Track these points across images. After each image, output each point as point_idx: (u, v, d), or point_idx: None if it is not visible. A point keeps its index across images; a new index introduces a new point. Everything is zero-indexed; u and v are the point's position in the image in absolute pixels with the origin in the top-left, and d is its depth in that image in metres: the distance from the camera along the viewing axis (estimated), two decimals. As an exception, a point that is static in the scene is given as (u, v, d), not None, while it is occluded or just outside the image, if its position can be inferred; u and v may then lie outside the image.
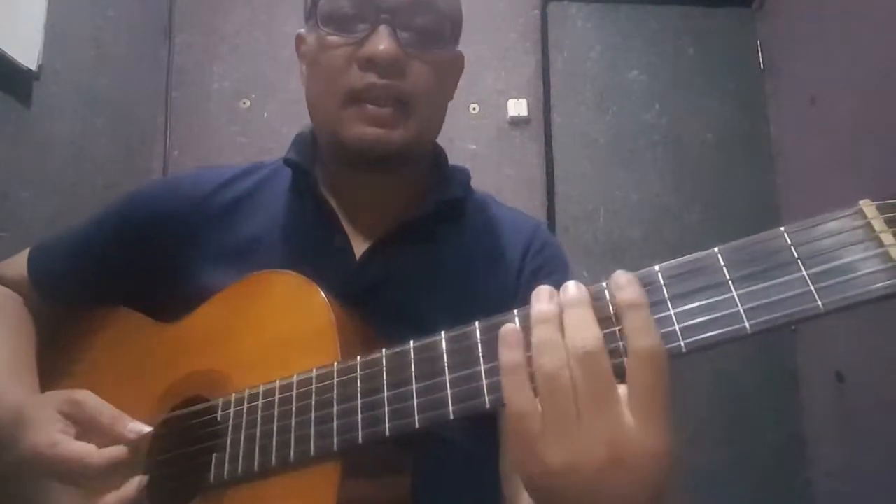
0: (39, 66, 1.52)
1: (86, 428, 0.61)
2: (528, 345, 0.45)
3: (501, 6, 2.28)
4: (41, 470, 0.60)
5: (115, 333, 0.75)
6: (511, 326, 0.45)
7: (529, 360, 0.44)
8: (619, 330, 0.44)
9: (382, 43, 0.65)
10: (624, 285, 0.44)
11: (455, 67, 0.78)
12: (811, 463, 1.96)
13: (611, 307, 0.45)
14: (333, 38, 0.68)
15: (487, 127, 2.19)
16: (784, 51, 2.15)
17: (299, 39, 0.77)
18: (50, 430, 0.60)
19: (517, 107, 2.19)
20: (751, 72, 2.24)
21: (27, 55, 1.48)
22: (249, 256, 0.70)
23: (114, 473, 0.58)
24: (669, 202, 2.14)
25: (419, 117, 0.69)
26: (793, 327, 2.15)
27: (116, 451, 0.59)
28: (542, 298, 0.45)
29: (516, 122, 2.20)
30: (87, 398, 0.62)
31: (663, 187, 2.16)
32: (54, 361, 0.76)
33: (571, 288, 0.45)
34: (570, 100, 2.23)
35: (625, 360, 0.43)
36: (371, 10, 0.66)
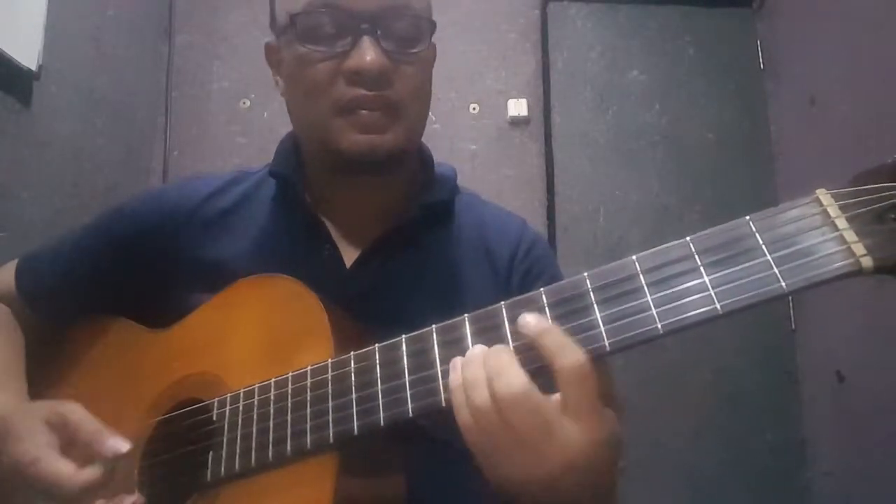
0: (39, 66, 1.52)
1: (69, 440, 0.61)
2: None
3: (501, 6, 2.28)
4: (21, 485, 0.59)
5: (108, 340, 0.75)
6: (457, 359, 0.51)
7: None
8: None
9: (368, 55, 0.64)
10: (528, 321, 0.49)
11: (433, 59, 0.77)
12: (811, 463, 1.96)
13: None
14: (316, 54, 0.67)
15: (487, 127, 2.19)
16: (784, 51, 2.15)
17: (270, 50, 0.76)
18: (33, 443, 0.60)
19: (517, 107, 2.19)
20: (751, 72, 2.24)
21: (27, 55, 1.48)
22: (237, 271, 0.69)
23: (92, 494, 0.58)
24: (669, 202, 2.14)
25: (408, 119, 0.69)
26: (793, 327, 2.14)
27: (92, 475, 0.58)
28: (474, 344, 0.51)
29: (516, 122, 2.20)
30: (73, 411, 0.62)
31: (663, 187, 2.16)
32: (45, 370, 0.76)
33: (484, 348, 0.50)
34: (570, 100, 2.23)
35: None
36: (351, 23, 0.65)
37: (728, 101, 2.22)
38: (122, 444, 0.59)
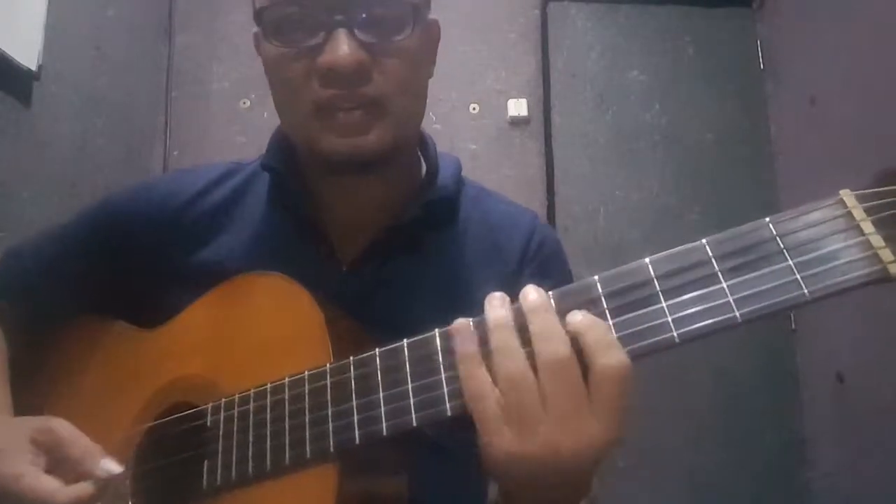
0: (39, 66, 1.52)
1: (57, 460, 0.58)
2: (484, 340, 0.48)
3: (501, 6, 2.28)
4: (8, 500, 0.56)
5: (95, 340, 0.72)
6: (462, 320, 0.48)
7: (486, 353, 0.46)
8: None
9: (341, 49, 0.58)
10: (576, 315, 0.46)
11: (429, 40, 0.69)
12: (811, 463, 1.96)
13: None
14: (287, 52, 0.61)
15: (487, 127, 2.19)
16: (784, 51, 2.15)
17: (256, 39, 0.69)
18: (18, 460, 0.57)
19: (517, 107, 2.19)
20: (751, 72, 2.24)
21: (27, 55, 1.48)
22: (230, 268, 0.65)
23: None
24: (669, 202, 2.14)
25: (395, 114, 0.63)
26: (793, 327, 2.14)
27: (82, 490, 0.56)
28: (495, 305, 0.47)
29: (516, 122, 2.20)
30: (61, 428, 0.59)
31: (663, 187, 2.16)
32: (29, 371, 0.73)
33: (532, 293, 0.47)
34: (570, 100, 2.23)
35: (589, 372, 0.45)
36: (323, 14, 0.59)
37: (728, 101, 2.22)
38: (114, 466, 0.57)
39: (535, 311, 0.46)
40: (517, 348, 0.45)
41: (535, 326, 0.45)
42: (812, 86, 1.96)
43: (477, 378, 0.46)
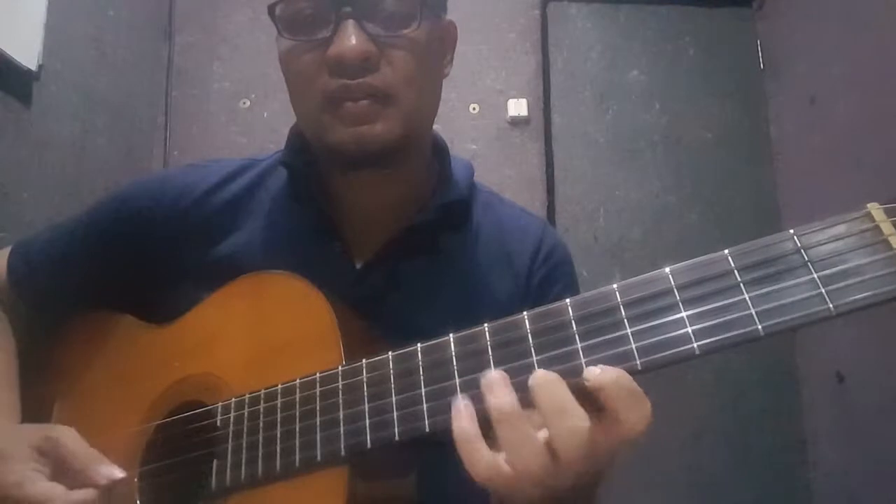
0: (39, 66, 1.52)
1: (60, 468, 0.58)
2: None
3: (501, 6, 2.28)
4: None
5: (105, 335, 0.72)
6: (462, 402, 0.46)
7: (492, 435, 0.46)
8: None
9: (349, 41, 0.59)
10: (595, 371, 0.45)
11: (443, 38, 0.70)
12: (811, 463, 1.96)
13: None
14: (299, 44, 0.63)
15: (487, 127, 2.19)
16: (784, 51, 2.15)
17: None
18: (19, 467, 0.58)
19: (517, 107, 2.19)
20: (751, 72, 2.24)
21: (27, 55, 1.48)
22: (241, 265, 0.66)
23: None
24: (669, 202, 2.14)
25: (402, 106, 0.63)
26: (793, 327, 2.12)
27: (83, 495, 0.56)
28: (497, 392, 0.45)
29: (516, 122, 2.20)
30: (65, 437, 0.59)
31: (663, 187, 2.16)
32: (39, 365, 0.73)
33: (540, 373, 0.45)
34: (570, 100, 2.23)
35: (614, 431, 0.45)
36: (332, 6, 0.60)
37: (728, 101, 2.22)
38: (116, 472, 0.57)
39: (543, 387, 0.44)
40: (528, 436, 0.44)
41: (545, 405, 0.44)
42: (812, 86, 1.96)
43: (482, 463, 0.45)
